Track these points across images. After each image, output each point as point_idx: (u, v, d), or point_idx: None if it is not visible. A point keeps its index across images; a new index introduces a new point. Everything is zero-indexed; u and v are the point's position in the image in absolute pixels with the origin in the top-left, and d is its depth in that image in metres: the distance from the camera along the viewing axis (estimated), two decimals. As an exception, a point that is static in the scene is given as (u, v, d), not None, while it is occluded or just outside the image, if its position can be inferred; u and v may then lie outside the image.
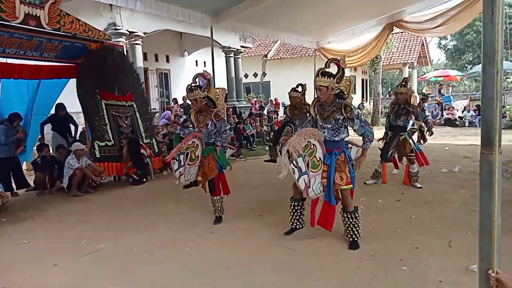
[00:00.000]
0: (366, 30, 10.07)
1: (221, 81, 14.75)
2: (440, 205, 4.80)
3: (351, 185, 3.52)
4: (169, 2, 6.59)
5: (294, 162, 3.25)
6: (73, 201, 5.95)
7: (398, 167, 6.19)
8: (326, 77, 3.40)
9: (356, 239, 3.56)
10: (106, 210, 5.28)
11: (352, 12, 8.88)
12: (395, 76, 31.75)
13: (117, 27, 9.69)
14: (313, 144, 3.41)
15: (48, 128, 7.70)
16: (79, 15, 6.60)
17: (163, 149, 8.14)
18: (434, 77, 23.39)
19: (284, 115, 7.38)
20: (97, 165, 6.63)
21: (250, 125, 11.82)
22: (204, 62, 17.78)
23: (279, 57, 21.32)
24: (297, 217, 3.77)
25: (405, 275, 3.01)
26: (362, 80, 24.40)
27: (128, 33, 10.04)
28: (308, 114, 3.73)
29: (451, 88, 27.17)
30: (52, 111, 7.79)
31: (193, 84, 4.31)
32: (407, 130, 5.78)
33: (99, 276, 3.25)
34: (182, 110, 12.38)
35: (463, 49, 34.11)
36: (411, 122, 5.86)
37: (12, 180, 6.64)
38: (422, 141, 10.23)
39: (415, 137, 6.50)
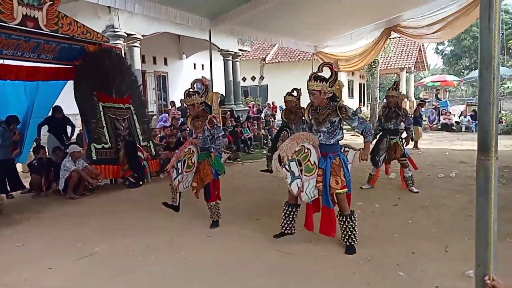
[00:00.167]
0: (364, 35, 10.10)
1: (219, 84, 14.74)
2: (436, 210, 4.80)
3: (346, 189, 3.52)
4: (167, 5, 6.59)
5: (286, 166, 3.27)
6: (69, 203, 5.91)
7: (388, 173, 6.17)
8: (318, 81, 3.43)
9: (352, 243, 3.55)
10: (102, 213, 5.26)
11: (350, 16, 8.91)
12: (392, 80, 31.85)
13: (115, 29, 9.69)
14: (307, 148, 3.42)
15: (44, 130, 7.66)
16: (77, 17, 6.59)
17: (160, 151, 8.12)
18: (431, 82, 23.54)
19: (281, 120, 7.40)
20: (94, 167, 6.60)
21: (247, 129, 11.82)
22: (202, 65, 17.80)
23: (277, 61, 21.37)
24: (289, 222, 3.76)
25: (401, 280, 3.00)
26: (360, 84, 24.49)
27: (126, 35, 10.04)
28: (303, 119, 3.73)
29: (448, 93, 27.31)
30: (50, 113, 7.76)
31: (191, 90, 4.31)
32: (399, 133, 5.78)
33: (94, 279, 3.22)
34: (179, 113, 12.37)
35: (460, 54, 34.33)
36: (402, 125, 5.83)
37: (7, 183, 6.60)
38: (416, 146, 10.29)
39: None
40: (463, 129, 15.67)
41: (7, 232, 4.55)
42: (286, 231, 3.78)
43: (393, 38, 16.70)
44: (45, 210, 5.53)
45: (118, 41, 9.56)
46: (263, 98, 20.75)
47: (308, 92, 3.51)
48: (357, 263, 3.31)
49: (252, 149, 11.45)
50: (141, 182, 6.96)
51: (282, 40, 10.12)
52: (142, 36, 10.59)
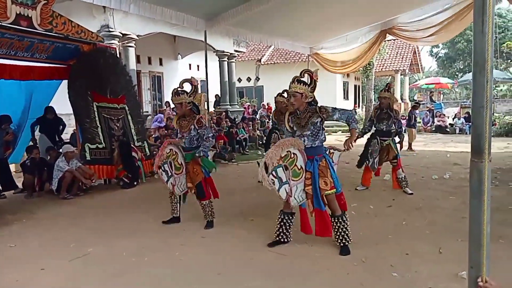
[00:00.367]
0: (360, 37, 10.14)
1: (214, 85, 14.76)
2: (430, 212, 4.83)
3: (335, 190, 3.54)
4: (163, 5, 6.57)
5: (273, 173, 3.28)
6: (62, 204, 5.87)
7: (379, 174, 6.19)
8: (302, 84, 3.51)
9: (346, 243, 3.57)
10: (96, 213, 5.22)
11: (345, 18, 8.95)
12: (387, 82, 32.03)
13: (110, 29, 9.65)
14: (293, 153, 3.44)
15: (36, 130, 7.60)
16: (71, 17, 6.55)
17: (154, 152, 8.09)
18: (426, 84, 23.70)
19: (267, 121, 7.42)
20: (88, 167, 6.56)
21: (242, 129, 11.82)
22: (198, 66, 17.78)
23: (272, 62, 21.40)
24: (284, 231, 3.74)
25: (395, 281, 3.01)
26: (355, 86, 24.59)
27: (121, 35, 10.00)
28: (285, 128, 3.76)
29: (442, 95, 27.51)
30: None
31: (179, 89, 4.30)
32: (391, 135, 5.81)
33: (86, 280, 3.20)
34: (174, 113, 12.32)
35: (454, 57, 34.61)
36: (394, 126, 5.82)
37: (0, 182, 6.54)
38: (410, 148, 10.33)
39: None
40: (457, 131, 15.79)
41: (-1, 233, 4.51)
42: (282, 240, 3.76)
43: (388, 40, 16.83)
44: (38, 210, 5.49)
45: (113, 41, 9.52)
46: (259, 99, 20.78)
47: (290, 94, 3.57)
48: (351, 264, 3.32)
49: (247, 150, 11.46)
50: (135, 183, 6.93)
51: (277, 41, 10.14)
52: (137, 36, 10.56)
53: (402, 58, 22.75)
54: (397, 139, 6.02)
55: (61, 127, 7.99)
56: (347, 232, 3.57)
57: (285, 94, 6.37)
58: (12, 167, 7.44)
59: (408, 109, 15.54)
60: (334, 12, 8.30)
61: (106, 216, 5.09)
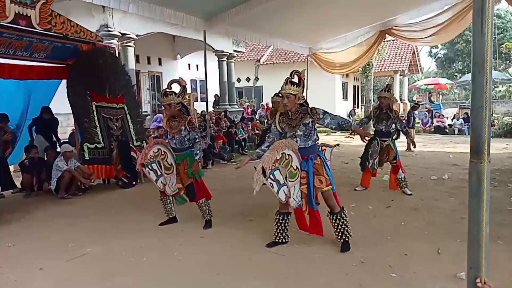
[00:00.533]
0: (359, 37, 10.15)
1: (213, 85, 14.75)
2: (429, 212, 4.83)
3: (331, 186, 3.55)
4: (162, 5, 6.57)
5: (271, 176, 3.29)
6: (61, 203, 5.86)
7: (376, 175, 6.18)
8: (295, 86, 3.52)
9: (347, 239, 3.59)
10: (94, 213, 5.22)
11: (344, 19, 8.95)
12: (386, 83, 32.10)
13: (109, 29, 9.64)
14: (288, 154, 3.45)
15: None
16: (71, 16, 6.54)
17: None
18: (425, 85, 23.71)
19: (266, 121, 7.42)
20: (86, 167, 6.55)
21: (242, 129, 11.82)
22: (197, 66, 17.77)
23: (272, 62, 21.40)
24: (282, 231, 3.74)
25: (394, 282, 3.01)
26: (354, 86, 24.60)
27: (121, 35, 9.99)
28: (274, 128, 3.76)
29: (441, 96, 27.52)
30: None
31: (167, 90, 4.29)
32: (390, 135, 5.80)
33: (84, 280, 3.19)
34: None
35: (453, 58, 34.65)
36: (393, 126, 5.81)
37: (-1, 181, 6.54)
38: (409, 148, 10.31)
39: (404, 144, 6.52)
40: (456, 131, 15.80)
41: (-3, 232, 4.50)
42: (280, 240, 3.76)
43: (387, 41, 16.84)
44: (37, 210, 5.47)
45: (112, 41, 9.51)
46: (258, 99, 20.78)
47: (282, 96, 3.57)
48: (350, 265, 3.32)
49: (246, 150, 11.45)
50: (134, 183, 6.92)
51: (276, 41, 10.15)
52: (137, 36, 10.55)
53: (401, 58, 22.77)
54: (402, 138, 6.01)
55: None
56: (346, 228, 3.58)
57: (281, 94, 6.39)
58: (11, 166, 7.42)
59: (407, 109, 15.53)
60: (333, 13, 8.31)
61: (105, 216, 5.08)
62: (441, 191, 5.95)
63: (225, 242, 3.97)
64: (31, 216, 5.20)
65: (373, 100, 16.75)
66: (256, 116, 15.51)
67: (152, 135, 9.42)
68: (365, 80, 18.03)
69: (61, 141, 7.96)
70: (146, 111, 13.73)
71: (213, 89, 15.34)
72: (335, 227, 3.60)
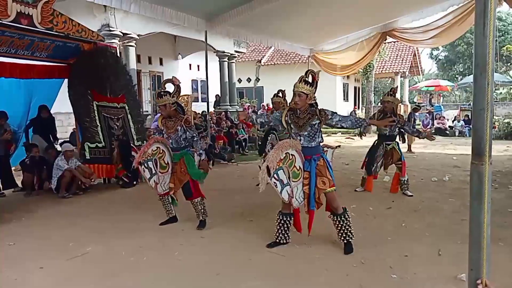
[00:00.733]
0: (359, 39, 10.14)
1: (214, 85, 14.76)
2: (430, 214, 4.83)
3: (334, 187, 3.56)
4: (164, 5, 6.57)
5: (275, 175, 3.29)
6: (61, 203, 5.86)
7: (376, 177, 6.17)
8: (308, 85, 3.50)
9: (350, 239, 3.60)
10: (95, 213, 5.22)
11: (345, 20, 8.95)
12: (387, 84, 32.10)
13: (111, 29, 9.65)
14: (292, 154, 3.45)
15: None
16: (72, 15, 6.54)
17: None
18: (426, 86, 23.72)
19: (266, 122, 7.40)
20: (87, 166, 6.56)
21: (242, 130, 11.82)
22: (198, 66, 17.79)
23: (272, 63, 21.42)
24: (283, 232, 3.75)
25: (394, 283, 3.01)
26: (355, 87, 24.62)
27: (122, 34, 10.00)
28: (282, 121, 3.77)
29: (442, 98, 27.54)
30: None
31: (162, 90, 4.29)
32: (395, 139, 5.79)
33: (85, 280, 3.19)
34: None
35: (454, 60, 34.66)
36: (397, 130, 5.80)
37: (0, 180, 6.52)
38: (410, 150, 10.32)
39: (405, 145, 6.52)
40: (457, 133, 15.80)
41: (-2, 231, 4.50)
42: (281, 241, 3.76)
43: (388, 42, 16.84)
44: (37, 209, 5.48)
45: (113, 40, 9.52)
46: (259, 99, 20.78)
47: (294, 94, 3.55)
48: (350, 266, 3.32)
49: (247, 150, 11.45)
50: (134, 182, 6.92)
51: (277, 42, 10.14)
52: (138, 35, 10.56)
53: (402, 60, 22.78)
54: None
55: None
56: (349, 228, 3.59)
57: (280, 94, 6.42)
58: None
59: (408, 111, 15.54)
60: (334, 14, 8.31)
61: (105, 215, 5.08)
62: (442, 192, 5.95)
63: (225, 242, 3.97)
64: (32, 215, 5.20)
65: (374, 102, 16.78)
66: (257, 117, 15.47)
67: (153, 135, 9.44)
68: (366, 81, 18.04)
69: (59, 140, 7.93)
70: (147, 111, 13.74)
71: (214, 90, 15.35)
72: (338, 228, 3.60)
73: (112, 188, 6.88)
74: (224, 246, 3.87)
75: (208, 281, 3.12)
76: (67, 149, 6.39)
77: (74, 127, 7.84)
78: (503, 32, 29.39)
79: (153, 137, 4.45)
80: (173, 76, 4.60)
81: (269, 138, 6.37)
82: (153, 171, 4.34)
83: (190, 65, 17.45)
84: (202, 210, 4.40)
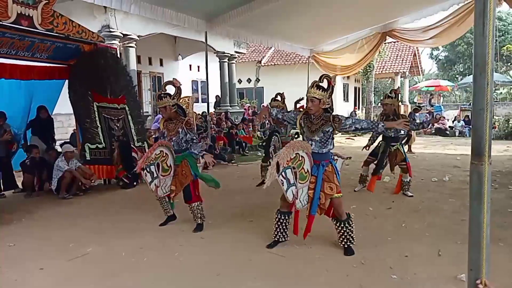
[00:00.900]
0: (359, 39, 10.15)
1: (214, 86, 14.78)
2: (430, 214, 4.83)
3: (341, 194, 3.56)
4: (164, 6, 6.58)
5: (283, 173, 3.29)
6: (61, 203, 5.86)
7: (380, 178, 6.17)
8: (321, 90, 3.48)
9: (350, 244, 3.60)
10: (95, 214, 5.22)
11: (345, 21, 8.96)
12: (387, 85, 32.12)
13: (111, 30, 9.66)
14: (302, 156, 3.45)
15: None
16: (72, 17, 6.56)
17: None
18: (426, 86, 23.70)
19: (266, 122, 7.45)
20: (87, 167, 6.56)
21: (242, 130, 11.83)
22: (198, 67, 17.80)
23: (273, 64, 21.43)
24: (282, 230, 3.75)
25: (394, 283, 3.01)
26: (355, 88, 24.62)
27: (122, 35, 10.02)
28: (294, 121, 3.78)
29: (442, 98, 27.53)
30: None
31: (162, 92, 4.28)
32: (399, 140, 5.79)
33: (85, 280, 3.20)
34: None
35: (454, 60, 34.67)
36: (403, 132, 5.82)
37: (1, 181, 6.52)
38: (409, 150, 10.31)
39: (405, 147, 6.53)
40: (457, 133, 15.80)
41: (-2, 232, 4.50)
42: (280, 239, 3.77)
43: (388, 42, 16.86)
44: (38, 210, 5.48)
45: (113, 41, 9.53)
46: (259, 100, 20.80)
47: (308, 98, 3.54)
48: (350, 266, 3.32)
49: (247, 151, 11.45)
50: (135, 183, 6.92)
51: (278, 43, 10.15)
52: (138, 36, 10.57)
53: (402, 60, 22.78)
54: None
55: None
56: (351, 234, 3.59)
57: (279, 98, 6.44)
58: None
59: (408, 111, 15.54)
60: (335, 14, 8.31)
61: (106, 216, 5.08)
62: (442, 192, 5.95)
63: (225, 242, 3.97)
64: (32, 216, 5.20)
65: (374, 102, 16.78)
66: (257, 118, 15.50)
67: (153, 136, 9.45)
68: (366, 81, 18.08)
69: (56, 142, 7.91)
70: (147, 112, 13.75)
71: (214, 90, 15.37)
72: (340, 234, 3.60)
73: (112, 189, 6.88)
74: (224, 246, 3.87)
75: (208, 281, 3.12)
76: (67, 150, 6.39)
77: (75, 128, 7.84)
78: (503, 32, 29.40)
79: (158, 141, 4.44)
80: (173, 78, 4.60)
81: (272, 139, 6.39)
82: (155, 175, 4.33)
83: (190, 65, 17.47)
84: (199, 214, 4.38)
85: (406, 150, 9.74)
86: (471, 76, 1.78)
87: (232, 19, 7.47)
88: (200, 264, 3.46)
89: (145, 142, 7.79)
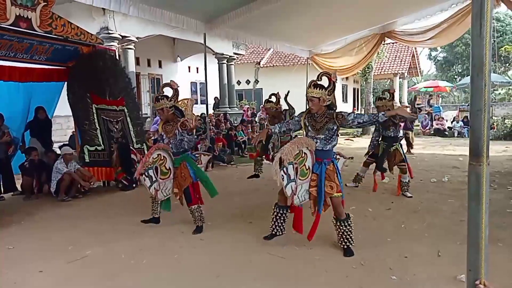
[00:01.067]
0: (358, 40, 10.16)
1: (213, 88, 14.78)
2: (429, 214, 4.83)
3: (341, 193, 3.56)
4: (162, 8, 6.58)
5: (284, 169, 3.29)
6: (60, 206, 5.85)
7: (384, 178, 6.19)
8: (318, 88, 3.50)
9: (350, 245, 3.60)
10: (94, 216, 5.21)
11: (344, 22, 8.97)
12: (386, 86, 32.20)
13: (110, 31, 9.67)
14: (304, 153, 3.46)
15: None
16: (71, 18, 6.56)
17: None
18: (424, 87, 23.76)
19: (265, 124, 7.49)
20: (86, 169, 6.55)
21: (241, 132, 11.83)
22: (197, 68, 17.80)
23: (271, 65, 21.46)
24: (279, 224, 3.78)
25: (394, 284, 3.01)
26: (354, 89, 24.66)
27: (121, 37, 10.03)
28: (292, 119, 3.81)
29: (440, 98, 27.59)
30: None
31: (159, 94, 4.28)
32: (398, 140, 5.81)
33: (84, 282, 3.19)
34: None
35: (453, 60, 34.73)
36: (401, 131, 5.87)
37: (1, 183, 6.51)
38: (409, 150, 10.32)
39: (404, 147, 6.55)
40: (456, 134, 15.80)
41: (-3, 235, 4.49)
42: (277, 233, 3.80)
43: (387, 43, 16.87)
44: (37, 212, 5.47)
45: (112, 43, 9.54)
46: (258, 101, 20.80)
47: (307, 98, 3.57)
48: (350, 267, 3.32)
49: (246, 152, 11.44)
50: (134, 185, 6.91)
51: (276, 44, 10.16)
52: (137, 38, 10.58)
53: (401, 61, 22.85)
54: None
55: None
56: (350, 234, 3.60)
57: (273, 98, 6.45)
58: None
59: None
60: (333, 16, 8.33)
61: (105, 218, 5.08)
62: (441, 193, 5.95)
63: (225, 243, 3.97)
64: (31, 218, 5.19)
65: (373, 103, 16.75)
66: (256, 119, 15.51)
67: (152, 138, 9.44)
68: (364, 82, 18.06)
69: (54, 144, 7.89)
70: (146, 114, 13.76)
71: (213, 92, 15.37)
72: (339, 233, 3.61)
73: (111, 191, 6.87)
74: (224, 247, 3.88)
75: (208, 282, 3.12)
76: (66, 152, 6.38)
77: (73, 130, 7.83)
78: (501, 32, 29.46)
79: (155, 145, 4.43)
80: (171, 80, 4.59)
81: (272, 137, 6.40)
82: (154, 179, 4.33)
83: (189, 67, 17.47)
84: (199, 217, 4.38)
85: (405, 151, 9.84)
86: (469, 77, 1.79)
87: (231, 21, 7.48)
88: (200, 264, 3.46)
89: (144, 144, 7.78)
